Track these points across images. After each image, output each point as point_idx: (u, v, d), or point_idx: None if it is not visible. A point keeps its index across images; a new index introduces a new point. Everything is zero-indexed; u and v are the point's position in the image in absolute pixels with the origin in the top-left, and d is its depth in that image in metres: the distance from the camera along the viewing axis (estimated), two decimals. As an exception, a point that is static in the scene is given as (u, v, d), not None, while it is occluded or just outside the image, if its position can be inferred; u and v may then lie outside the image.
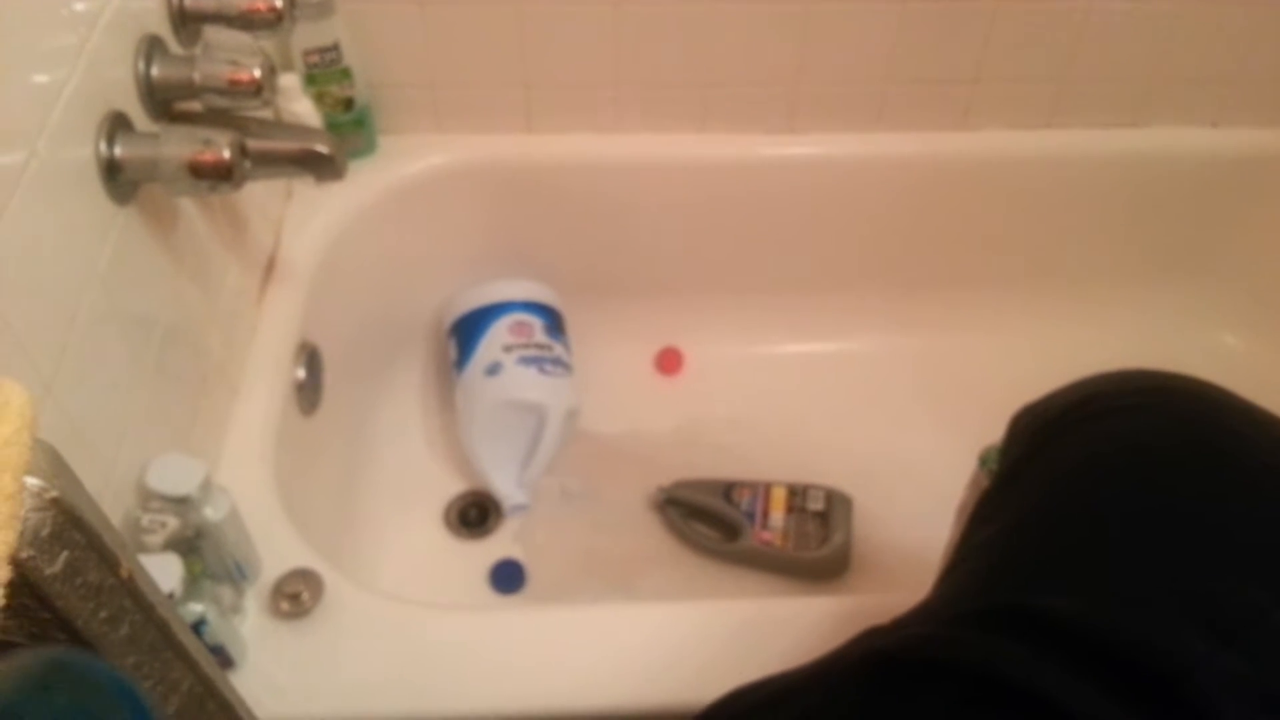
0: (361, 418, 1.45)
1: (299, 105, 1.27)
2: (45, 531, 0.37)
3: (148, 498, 0.89)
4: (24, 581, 0.36)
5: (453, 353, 1.49)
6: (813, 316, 1.63)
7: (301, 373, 1.23)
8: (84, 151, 0.83)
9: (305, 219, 1.33)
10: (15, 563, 0.35)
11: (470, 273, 1.50)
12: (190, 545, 0.88)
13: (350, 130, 1.36)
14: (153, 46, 0.93)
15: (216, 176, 0.86)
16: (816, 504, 1.40)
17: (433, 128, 1.43)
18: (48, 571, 0.37)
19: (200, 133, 0.87)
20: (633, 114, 1.43)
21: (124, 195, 0.88)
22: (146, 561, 0.83)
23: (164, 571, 0.83)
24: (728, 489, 1.43)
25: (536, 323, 1.46)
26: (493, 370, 1.41)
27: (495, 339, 1.43)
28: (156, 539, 0.85)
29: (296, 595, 0.97)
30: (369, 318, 1.44)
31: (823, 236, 1.55)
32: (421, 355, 1.57)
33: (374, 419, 1.47)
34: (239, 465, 1.08)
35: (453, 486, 1.46)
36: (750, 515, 1.39)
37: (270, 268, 1.26)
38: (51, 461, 0.40)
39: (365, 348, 1.43)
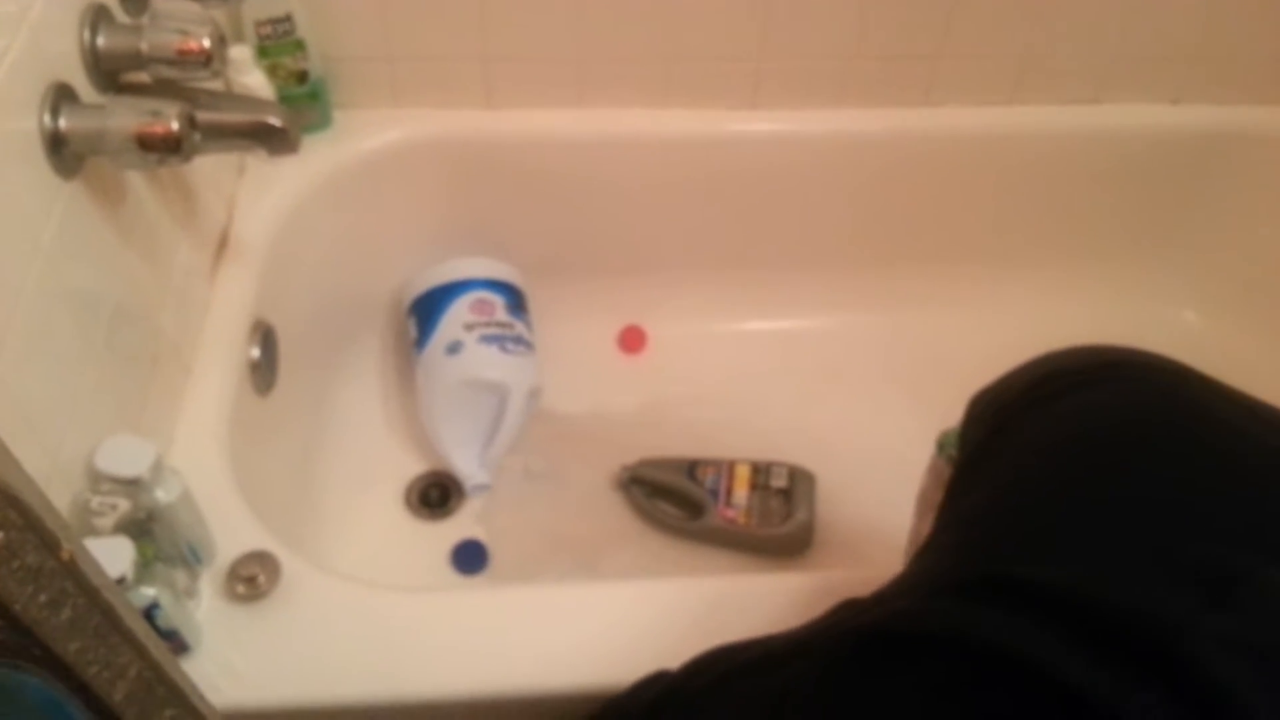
0: (319, 398, 1.42)
1: (251, 78, 1.24)
2: (-21, 513, 0.35)
3: (97, 480, 0.86)
4: (-42, 566, 0.34)
5: (413, 331, 1.46)
6: (777, 293, 1.62)
7: (256, 352, 1.21)
8: (27, 124, 0.81)
9: (258, 195, 1.30)
10: (-55, 546, 0.33)
11: (430, 250, 1.48)
12: (142, 528, 0.86)
13: (304, 104, 1.33)
14: (99, 15, 0.90)
15: (165, 149, 0.84)
16: (780, 481, 1.40)
17: (389, 102, 1.41)
18: (-18, 554, 0.35)
19: (148, 104, 0.84)
20: (595, 88, 1.41)
21: (69, 169, 0.85)
22: (97, 545, 0.81)
23: (115, 555, 0.80)
24: (691, 467, 1.42)
25: (498, 301, 1.44)
26: (453, 349, 1.39)
27: (456, 317, 1.41)
28: (106, 522, 0.83)
29: (252, 578, 0.95)
30: (325, 296, 1.41)
31: (786, 213, 1.54)
32: (380, 334, 1.55)
33: (332, 399, 1.45)
34: (192, 446, 1.06)
35: (413, 467, 1.44)
36: (714, 493, 1.39)
37: (223, 244, 1.23)
38: (-15, 441, 0.38)
39: (322, 326, 1.41)
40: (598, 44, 1.37)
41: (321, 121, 1.37)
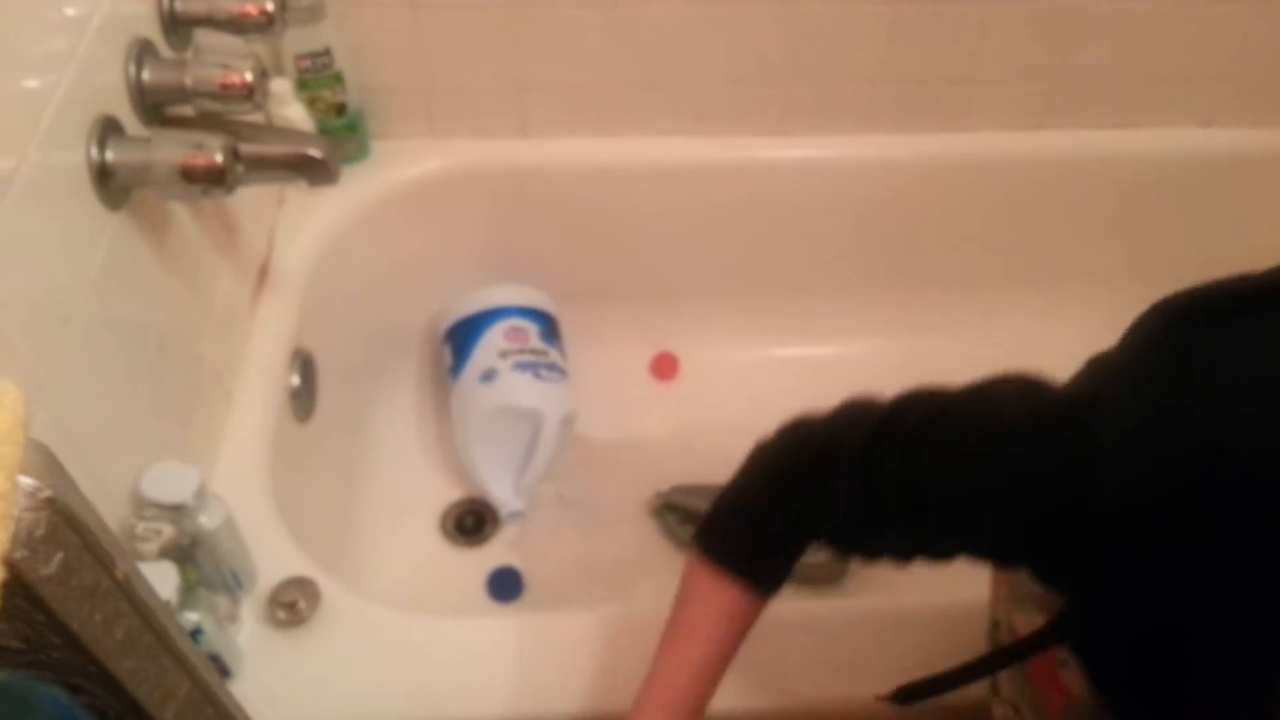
0: (357, 424, 1.44)
1: (291, 110, 1.26)
2: (39, 532, 0.36)
3: (142, 506, 0.88)
4: (18, 583, 0.35)
5: (447, 359, 1.48)
6: (809, 320, 1.62)
7: (296, 379, 1.23)
8: (75, 156, 0.83)
9: (298, 225, 1.32)
10: (8, 563, 0.34)
11: (465, 278, 1.50)
12: (185, 554, 0.87)
13: (343, 135, 1.36)
14: (143, 50, 0.92)
15: (209, 180, 0.86)
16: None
17: (426, 132, 1.43)
18: (42, 572, 0.36)
19: (192, 136, 0.86)
20: (627, 117, 1.43)
21: (116, 200, 0.87)
22: (142, 570, 0.82)
23: (160, 580, 0.82)
24: None
25: (532, 328, 1.45)
26: (488, 377, 1.40)
27: (490, 345, 1.42)
28: (151, 547, 0.84)
29: (293, 604, 0.96)
30: (363, 323, 1.43)
31: (817, 238, 1.55)
32: (417, 361, 1.56)
33: (369, 426, 1.46)
34: (234, 473, 1.07)
35: (449, 494, 1.45)
36: None
37: (263, 274, 1.25)
38: (45, 461, 0.39)
39: (360, 354, 1.42)
40: (630, 73, 1.39)
41: (359, 152, 1.39)
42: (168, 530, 0.85)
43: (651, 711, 0.74)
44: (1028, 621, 0.69)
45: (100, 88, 0.87)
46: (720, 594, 0.75)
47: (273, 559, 1.00)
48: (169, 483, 0.88)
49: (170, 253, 0.99)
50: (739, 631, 0.76)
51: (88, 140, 0.84)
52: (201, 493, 0.89)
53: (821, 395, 1.54)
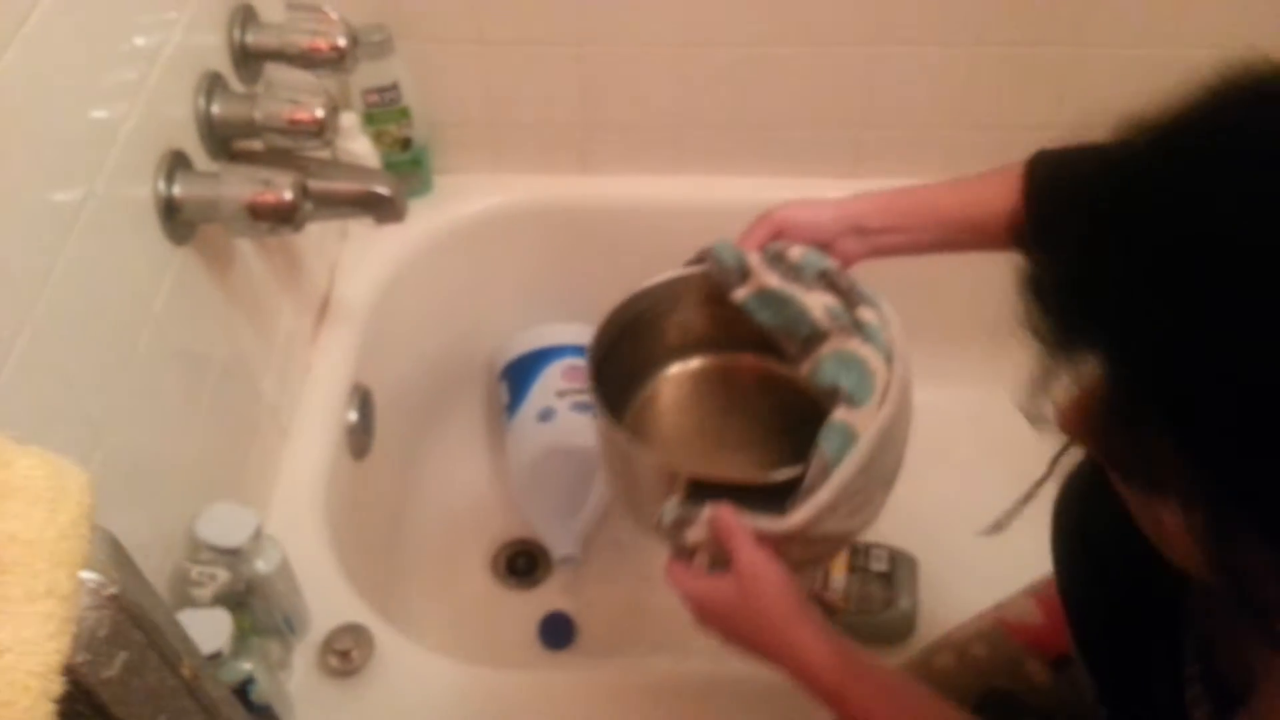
0: (411, 462, 1.42)
1: (357, 144, 1.25)
2: (102, 632, 0.33)
3: (197, 549, 0.86)
4: (78, 689, 0.32)
5: (504, 397, 1.45)
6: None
7: (353, 415, 1.21)
8: (142, 190, 0.81)
9: (360, 259, 1.31)
10: (69, 669, 0.31)
11: (524, 314, 1.47)
12: (239, 600, 0.84)
13: (407, 170, 1.34)
14: (214, 84, 0.91)
15: (277, 219, 0.84)
16: (880, 565, 1.35)
17: (490, 167, 1.41)
18: (104, 675, 0.33)
19: (261, 173, 0.85)
20: (692, 156, 1.40)
21: (181, 235, 0.86)
22: (195, 616, 0.80)
23: (213, 628, 0.79)
24: None
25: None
26: (545, 416, 1.37)
27: (548, 384, 1.40)
28: (205, 593, 0.82)
29: (346, 652, 0.93)
30: (421, 359, 1.41)
31: (885, 284, 1.51)
32: (472, 397, 1.54)
33: (424, 463, 1.44)
34: (289, 512, 1.05)
35: (502, 533, 1.42)
36: (811, 576, 1.34)
37: (324, 308, 1.24)
38: (110, 552, 0.36)
39: (417, 390, 1.40)
40: (697, 112, 1.36)
41: (423, 187, 1.38)
42: (222, 575, 0.83)
43: None
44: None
45: (169, 121, 0.86)
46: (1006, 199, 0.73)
47: (326, 603, 0.98)
48: (225, 525, 0.86)
49: (234, 287, 0.97)
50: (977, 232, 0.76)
51: (155, 174, 0.83)
52: (258, 536, 0.87)
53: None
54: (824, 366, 0.79)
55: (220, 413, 0.94)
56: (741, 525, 0.72)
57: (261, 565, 0.88)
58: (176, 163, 0.84)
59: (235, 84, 0.96)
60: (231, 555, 0.85)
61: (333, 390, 1.18)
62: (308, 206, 0.86)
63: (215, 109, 0.90)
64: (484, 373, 1.53)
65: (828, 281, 0.82)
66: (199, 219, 0.85)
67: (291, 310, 1.14)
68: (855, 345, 0.77)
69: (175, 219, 0.84)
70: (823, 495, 0.71)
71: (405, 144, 1.32)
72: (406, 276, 1.33)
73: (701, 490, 0.75)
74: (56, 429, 0.68)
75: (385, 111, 1.29)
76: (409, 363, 1.37)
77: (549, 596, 1.37)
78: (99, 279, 0.74)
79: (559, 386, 1.39)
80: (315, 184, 0.94)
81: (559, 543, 1.35)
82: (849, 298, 0.80)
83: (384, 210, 0.98)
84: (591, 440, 1.36)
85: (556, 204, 1.43)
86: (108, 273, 0.75)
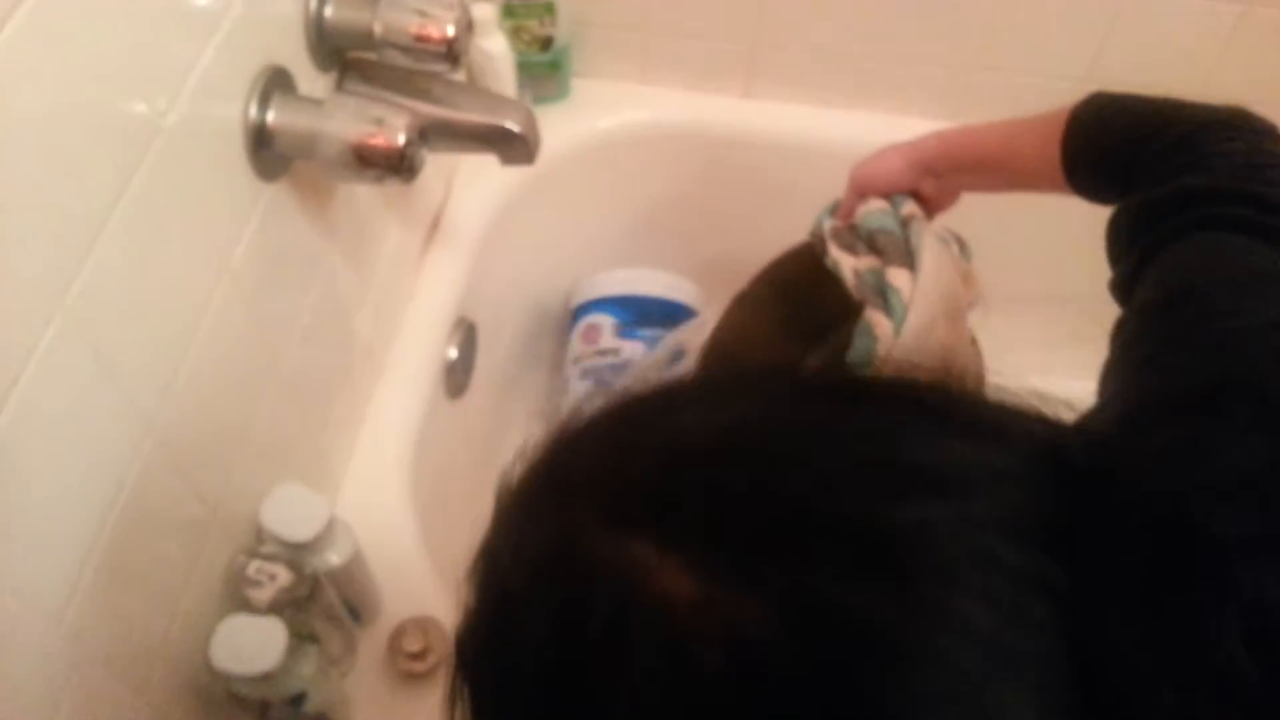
0: (508, 402, 1.29)
1: (490, 42, 1.08)
2: None
3: (261, 537, 0.74)
4: None
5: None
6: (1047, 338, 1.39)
7: (454, 353, 1.08)
8: (231, 111, 0.67)
9: (479, 170, 1.15)
10: None
11: (640, 249, 1.31)
12: (301, 603, 0.73)
13: (543, 73, 1.17)
14: (330, -21, 0.75)
15: (385, 166, 0.69)
16: None
17: (636, 77, 1.23)
18: None
19: (372, 109, 0.69)
20: (877, 89, 1.20)
21: (273, 170, 0.71)
22: (246, 626, 0.69)
23: (264, 643, 0.68)
24: None
25: (606, 323, 1.28)
26: (561, 390, 1.27)
27: (572, 349, 1.28)
28: (263, 595, 0.71)
29: (418, 654, 0.82)
30: (529, 289, 1.27)
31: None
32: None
33: (521, 404, 1.31)
34: (374, 460, 0.94)
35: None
36: None
37: (435, 227, 1.09)
38: None
39: (524, 322, 1.27)
40: (891, 41, 1.16)
41: (559, 92, 1.21)
42: (283, 576, 0.72)
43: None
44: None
45: (273, 20, 0.71)
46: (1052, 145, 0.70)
47: (401, 582, 0.87)
48: (294, 513, 0.75)
49: (333, 222, 0.83)
50: (1034, 174, 0.73)
51: (249, 94, 0.68)
52: (331, 527, 0.75)
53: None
54: (853, 341, 0.74)
55: (305, 367, 0.82)
56: None
57: (333, 558, 0.77)
58: (276, 82, 0.70)
59: (357, -21, 0.79)
60: (298, 549, 0.74)
61: (435, 324, 1.05)
62: (422, 154, 0.71)
63: (329, 12, 0.75)
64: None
65: (871, 242, 0.77)
66: (295, 154, 0.71)
67: (399, 230, 1.01)
68: (871, 314, 0.72)
69: (267, 151, 0.69)
70: None
71: (546, 44, 1.15)
72: (529, 194, 1.17)
73: None
74: (106, 398, 0.56)
75: (527, 5, 1.11)
76: (517, 293, 1.23)
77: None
78: (167, 227, 0.61)
79: (576, 352, 1.27)
80: (435, 110, 0.79)
81: None
82: (887, 256, 0.75)
83: (512, 150, 0.83)
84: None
85: (709, 127, 1.24)
86: (179, 217, 0.62)
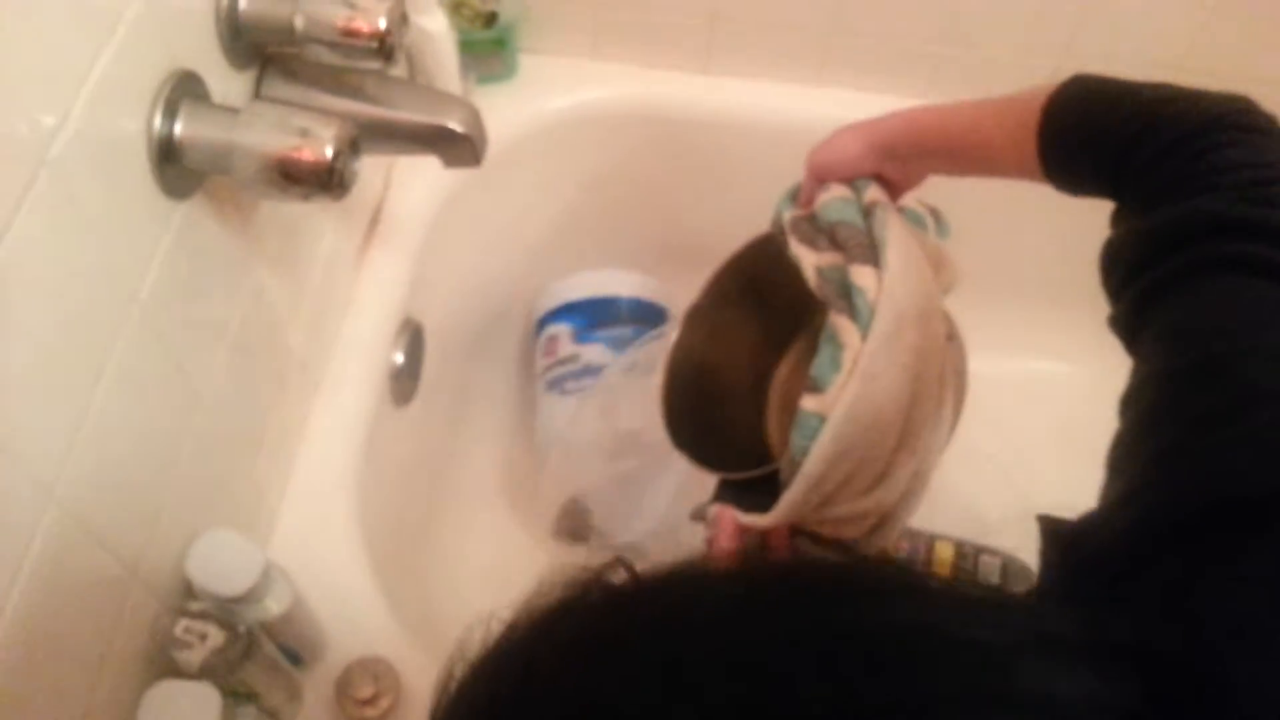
0: (460, 407, 1.22)
1: (429, 20, 1.00)
2: None
3: (188, 592, 0.68)
4: None
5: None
6: (1009, 329, 1.34)
7: (400, 357, 1.01)
8: (132, 124, 0.59)
9: (421, 159, 1.06)
10: None
11: (599, 240, 1.25)
12: (235, 662, 0.67)
13: (487, 51, 1.09)
14: (243, -32, 0.67)
15: (313, 183, 0.62)
16: (989, 575, 1.16)
17: (588, 52, 1.15)
18: None
19: (296, 117, 0.62)
20: (843, 64, 1.14)
21: (184, 187, 0.64)
22: (174, 692, 0.63)
23: (196, 709, 0.62)
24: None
25: (564, 331, 1.22)
26: (534, 403, 1.21)
27: (538, 365, 1.23)
28: (193, 658, 0.65)
29: (371, 699, 0.76)
30: (482, 286, 1.19)
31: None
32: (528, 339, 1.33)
33: (474, 409, 1.24)
34: (315, 483, 0.87)
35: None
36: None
37: (374, 223, 1.02)
38: None
39: (474, 322, 1.20)
40: (860, 16, 1.09)
41: (505, 71, 1.13)
42: (215, 636, 0.65)
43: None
44: None
45: (177, 20, 0.63)
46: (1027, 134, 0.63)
47: (348, 620, 0.81)
48: (224, 563, 0.68)
49: (258, 231, 0.76)
50: (1005, 164, 0.67)
51: (153, 104, 0.60)
52: (265, 574, 0.69)
53: (1010, 420, 1.30)
54: (819, 349, 0.69)
55: (232, 394, 0.74)
56: (726, 528, 0.70)
57: (271, 606, 0.70)
58: (184, 89, 0.62)
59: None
60: (230, 603, 0.67)
61: (378, 328, 0.98)
62: (355, 166, 0.63)
63: (244, 3, 0.67)
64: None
65: (833, 236, 0.72)
66: (208, 169, 0.63)
67: (334, 230, 0.93)
68: (836, 320, 0.68)
69: (175, 167, 0.62)
70: (793, 492, 0.67)
71: (489, 20, 1.07)
72: (475, 183, 1.09)
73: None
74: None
75: (469, -21, 1.03)
76: (467, 290, 1.16)
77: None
78: (62, 255, 0.53)
79: (540, 364, 1.21)
80: (369, 109, 0.72)
81: (617, 529, 1.17)
82: (850, 252, 0.69)
83: (456, 151, 0.75)
84: (560, 424, 1.17)
85: (667, 105, 1.17)
86: (75, 244, 0.54)
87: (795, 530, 0.74)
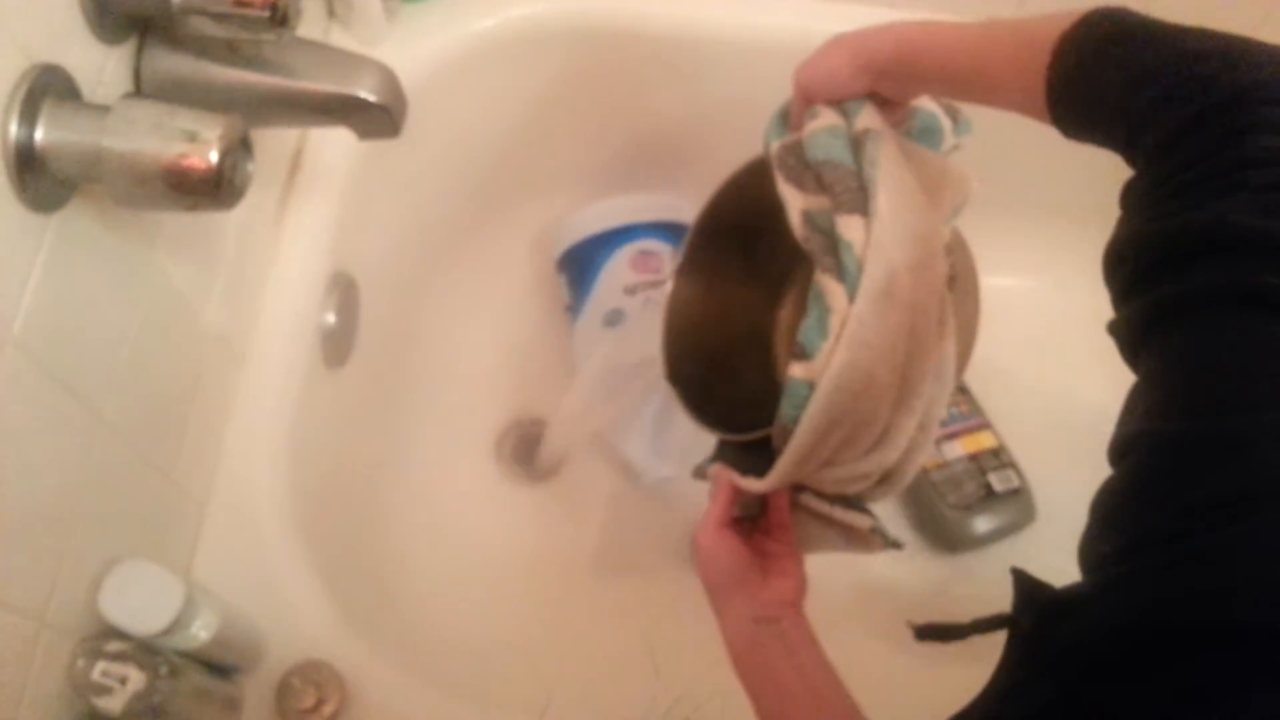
0: (402, 360, 1.15)
1: (339, -57, 0.90)
2: None
3: (104, 633, 0.62)
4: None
5: (565, 295, 1.18)
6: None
7: (331, 318, 0.94)
8: (-18, 131, 0.51)
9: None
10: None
11: (566, 173, 1.16)
12: (159, 705, 0.62)
13: (409, -31, 0.99)
14: (105, -71, 0.57)
15: (200, 192, 0.54)
16: (1003, 483, 1.14)
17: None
18: None
19: (177, 117, 0.53)
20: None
21: (53, 199, 0.56)
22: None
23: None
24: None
25: (666, 251, 1.13)
26: (613, 319, 1.10)
27: (614, 278, 1.11)
28: (114, 703, 0.60)
29: (314, 707, 0.73)
30: (418, 228, 1.11)
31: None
32: (487, 275, 1.25)
33: (417, 356, 1.17)
34: (243, 470, 0.82)
35: (503, 417, 1.19)
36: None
37: (293, 173, 0.93)
38: None
39: (411, 265, 1.12)
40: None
41: (428, -14, 1.02)
42: (135, 678, 0.61)
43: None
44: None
45: (29, 6, 0.53)
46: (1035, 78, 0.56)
47: (284, 620, 0.77)
48: (140, 597, 0.63)
49: (154, 216, 0.68)
50: (1008, 98, 0.61)
51: (6, 107, 0.52)
52: (188, 603, 0.64)
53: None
54: (807, 311, 0.65)
55: (140, 400, 0.68)
56: (722, 491, 0.72)
57: (199, 633, 0.66)
58: (45, 86, 0.53)
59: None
60: (150, 640, 0.63)
61: (305, 287, 0.91)
62: (247, 169, 0.56)
63: (107, -28, 0.57)
64: (495, 230, 1.22)
65: (819, 178, 0.66)
66: (79, 178, 0.55)
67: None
68: (821, 279, 0.64)
69: (39, 178, 0.54)
70: (785, 461, 0.66)
71: (409, -65, 0.96)
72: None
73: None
74: None
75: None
76: (402, 233, 1.08)
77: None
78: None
79: (628, 281, 1.11)
80: (267, 81, 0.63)
81: (646, 465, 1.12)
82: (837, 199, 0.64)
83: (370, 122, 0.67)
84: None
85: (612, 18, 1.07)
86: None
87: (799, 487, 0.73)
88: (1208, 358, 0.42)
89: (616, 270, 1.11)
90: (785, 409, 0.65)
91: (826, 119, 0.67)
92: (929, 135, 0.75)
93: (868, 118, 0.67)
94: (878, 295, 0.62)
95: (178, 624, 0.63)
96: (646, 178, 1.17)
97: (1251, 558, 0.36)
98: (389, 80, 0.67)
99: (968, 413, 1.19)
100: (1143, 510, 0.41)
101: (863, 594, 1.14)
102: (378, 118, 0.67)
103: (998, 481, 1.15)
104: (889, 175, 0.64)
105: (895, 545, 0.73)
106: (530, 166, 1.18)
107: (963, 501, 1.14)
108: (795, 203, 0.67)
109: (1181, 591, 0.37)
